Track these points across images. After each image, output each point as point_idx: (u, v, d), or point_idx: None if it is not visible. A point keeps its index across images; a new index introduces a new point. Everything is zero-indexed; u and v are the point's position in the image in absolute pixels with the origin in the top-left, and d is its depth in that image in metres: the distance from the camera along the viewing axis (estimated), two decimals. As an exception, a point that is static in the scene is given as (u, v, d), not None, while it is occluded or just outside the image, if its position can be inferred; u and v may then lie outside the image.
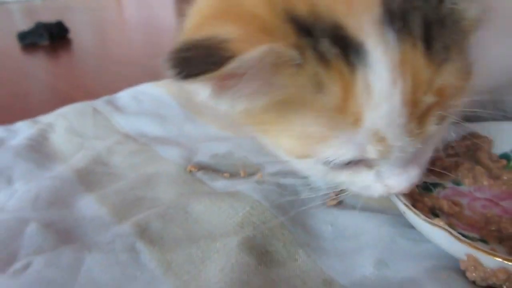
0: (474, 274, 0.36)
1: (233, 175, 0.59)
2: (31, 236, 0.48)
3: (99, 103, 0.85)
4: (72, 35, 1.88)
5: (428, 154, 0.41)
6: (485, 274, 0.35)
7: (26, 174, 0.63)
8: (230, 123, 0.56)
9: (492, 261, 0.35)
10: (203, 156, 0.65)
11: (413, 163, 0.39)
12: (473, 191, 0.50)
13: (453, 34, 0.33)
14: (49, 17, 1.92)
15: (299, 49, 0.31)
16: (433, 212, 0.46)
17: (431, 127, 0.34)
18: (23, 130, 0.78)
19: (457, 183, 0.51)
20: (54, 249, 0.45)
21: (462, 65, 0.34)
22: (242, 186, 0.54)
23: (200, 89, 0.32)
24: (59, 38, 1.80)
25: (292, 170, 0.53)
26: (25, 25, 1.88)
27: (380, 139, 0.34)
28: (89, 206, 0.54)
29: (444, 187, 0.50)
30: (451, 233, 0.37)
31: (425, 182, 0.49)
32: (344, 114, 0.32)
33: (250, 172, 0.59)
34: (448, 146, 0.54)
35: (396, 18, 0.31)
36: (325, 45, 0.31)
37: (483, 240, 0.42)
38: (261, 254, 0.43)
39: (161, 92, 0.88)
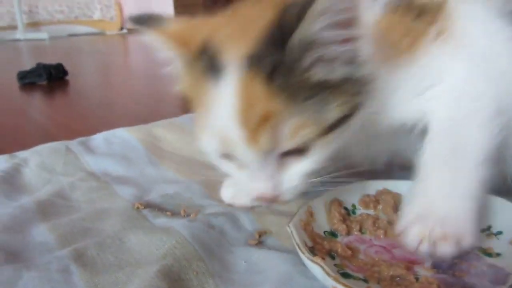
0: None
1: (175, 214, 0.67)
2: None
3: (73, 143, 0.94)
4: (70, 77, 2.00)
5: (286, 177, 0.50)
6: None
7: (-6, 203, 0.71)
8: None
9: None
10: (154, 195, 0.73)
11: (274, 178, 0.49)
12: (373, 239, 0.57)
13: (297, 82, 0.45)
14: (54, 57, 2.06)
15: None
16: (330, 254, 0.53)
17: (264, 142, 0.45)
18: (1, 163, 0.86)
19: (363, 232, 0.58)
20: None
21: (311, 116, 0.46)
22: (176, 223, 0.61)
23: None
24: (57, 79, 1.93)
25: (225, 212, 0.61)
26: (30, 64, 2.01)
27: (225, 137, 0.47)
28: (40, 233, 0.61)
29: (349, 235, 0.58)
30: (323, 269, 0.44)
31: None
32: (202, 108, 0.49)
33: (189, 212, 0.67)
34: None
35: (254, 58, 0.44)
36: (201, 65, 0.48)
37: (365, 280, 0.49)
38: (174, 281, 0.50)
39: (130, 137, 0.97)
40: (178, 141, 0.96)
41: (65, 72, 1.99)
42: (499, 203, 0.55)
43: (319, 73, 0.46)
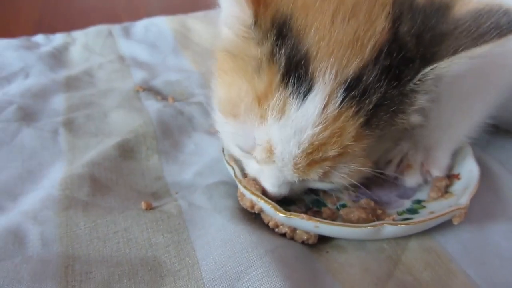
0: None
1: (164, 98, 0.77)
2: (9, 112, 0.71)
3: (116, 27, 1.06)
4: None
5: (300, 189, 0.48)
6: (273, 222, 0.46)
7: (39, 73, 0.87)
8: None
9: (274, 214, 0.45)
10: (159, 80, 0.84)
11: (287, 185, 0.45)
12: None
13: (390, 124, 0.38)
14: None
15: (266, 39, 0.37)
16: None
17: (314, 175, 0.40)
18: (58, 40, 1.02)
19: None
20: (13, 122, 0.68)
21: (374, 152, 0.40)
22: (154, 106, 0.72)
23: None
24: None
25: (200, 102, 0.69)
26: None
27: (269, 149, 0.39)
28: (57, 101, 0.76)
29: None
30: (234, 171, 0.49)
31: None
32: (259, 107, 0.38)
33: (177, 99, 0.77)
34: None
35: (359, 87, 0.36)
36: (281, 54, 0.37)
37: None
38: (125, 151, 0.61)
39: (165, 25, 1.06)
40: (206, 32, 1.03)
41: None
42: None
43: (416, 118, 0.39)
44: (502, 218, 0.50)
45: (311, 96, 0.36)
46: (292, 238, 0.46)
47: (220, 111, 0.43)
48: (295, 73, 0.36)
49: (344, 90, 0.36)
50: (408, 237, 0.47)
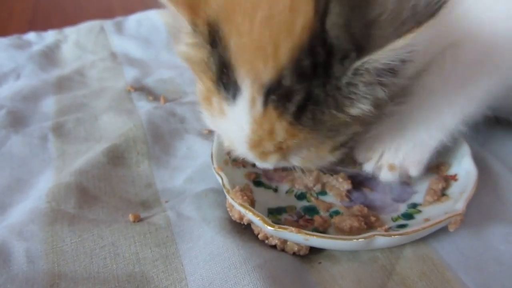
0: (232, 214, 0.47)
1: (156, 99, 0.75)
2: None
3: (108, 23, 1.04)
4: None
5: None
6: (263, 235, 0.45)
7: (30, 74, 0.86)
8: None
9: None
10: (151, 79, 0.82)
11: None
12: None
13: (328, 119, 0.38)
14: None
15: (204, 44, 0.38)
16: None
17: (272, 161, 0.41)
18: (50, 37, 1.01)
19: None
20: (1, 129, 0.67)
21: (325, 140, 0.40)
22: (145, 108, 0.71)
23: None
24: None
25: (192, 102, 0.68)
26: None
27: (231, 143, 0.43)
28: (48, 104, 0.75)
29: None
30: (222, 180, 0.48)
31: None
32: (209, 105, 0.41)
33: (169, 98, 0.75)
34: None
35: (278, 91, 0.36)
36: (213, 60, 0.38)
37: (275, 189, 0.54)
38: (116, 157, 0.60)
39: (158, 19, 1.04)
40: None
41: None
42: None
43: (363, 107, 0.38)
44: (501, 220, 0.49)
45: (239, 101, 0.37)
46: (283, 250, 0.45)
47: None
48: (224, 79, 0.38)
49: (263, 95, 0.36)
50: (402, 245, 0.45)
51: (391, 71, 0.36)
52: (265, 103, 0.36)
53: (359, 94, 0.37)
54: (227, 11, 0.36)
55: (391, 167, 0.48)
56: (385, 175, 0.49)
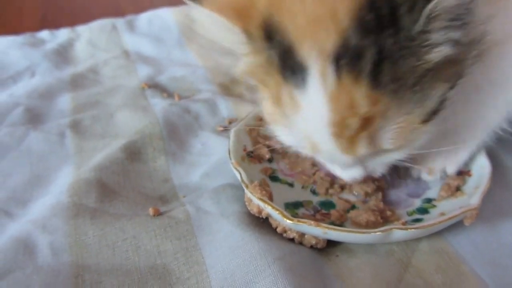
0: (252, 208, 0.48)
1: (170, 96, 0.76)
2: (16, 114, 0.71)
3: (120, 21, 1.05)
4: None
5: (379, 167, 0.45)
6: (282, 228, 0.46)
7: (45, 72, 0.87)
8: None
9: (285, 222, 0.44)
10: (164, 76, 0.83)
11: (356, 168, 0.43)
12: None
13: (408, 73, 0.35)
14: None
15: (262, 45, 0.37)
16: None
17: (362, 149, 0.38)
18: (63, 35, 1.02)
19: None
20: (20, 125, 0.68)
21: (414, 107, 0.37)
22: (160, 105, 0.71)
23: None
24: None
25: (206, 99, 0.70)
26: None
27: (312, 143, 0.39)
28: (63, 101, 0.76)
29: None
30: (240, 175, 0.49)
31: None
32: (280, 107, 0.39)
33: (183, 96, 0.76)
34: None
35: (347, 54, 0.33)
36: (274, 53, 0.37)
37: (291, 184, 0.55)
38: (133, 153, 0.61)
39: (170, 17, 1.05)
40: (209, 22, 1.01)
41: None
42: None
43: (442, 52, 0.35)
44: (516, 215, 0.49)
45: (309, 81, 0.35)
46: (300, 243, 0.46)
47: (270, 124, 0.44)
48: (289, 65, 0.36)
49: (333, 63, 0.34)
50: (418, 238, 0.46)
51: (464, 9, 0.34)
52: (337, 71, 0.34)
53: (436, 40, 0.34)
54: (276, 2, 0.36)
55: (431, 171, 0.50)
56: (425, 177, 0.51)
